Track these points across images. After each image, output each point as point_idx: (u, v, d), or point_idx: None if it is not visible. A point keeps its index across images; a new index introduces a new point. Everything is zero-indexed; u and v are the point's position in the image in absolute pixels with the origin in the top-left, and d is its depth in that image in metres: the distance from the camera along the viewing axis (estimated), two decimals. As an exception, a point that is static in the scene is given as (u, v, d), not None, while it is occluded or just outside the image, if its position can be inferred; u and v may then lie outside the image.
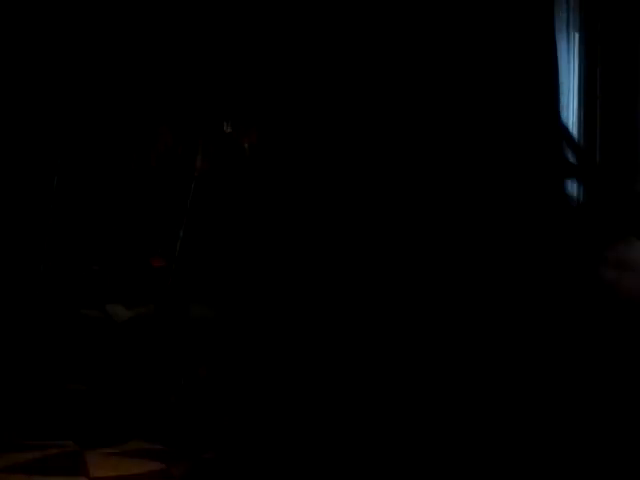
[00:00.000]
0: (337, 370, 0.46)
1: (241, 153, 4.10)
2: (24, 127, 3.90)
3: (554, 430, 0.46)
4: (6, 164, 3.85)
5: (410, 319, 0.47)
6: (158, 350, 3.67)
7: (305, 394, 0.48)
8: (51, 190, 3.90)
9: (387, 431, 0.46)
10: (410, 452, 0.45)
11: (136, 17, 4.02)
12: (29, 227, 3.89)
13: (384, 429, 0.46)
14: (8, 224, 3.82)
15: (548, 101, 0.51)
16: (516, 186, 0.48)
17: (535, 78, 0.48)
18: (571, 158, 0.53)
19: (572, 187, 0.53)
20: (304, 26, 0.47)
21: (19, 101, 3.88)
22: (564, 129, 0.53)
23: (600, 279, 0.47)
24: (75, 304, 3.80)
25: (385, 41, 0.44)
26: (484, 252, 0.47)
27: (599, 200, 0.55)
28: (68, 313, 3.75)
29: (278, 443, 0.48)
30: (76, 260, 3.96)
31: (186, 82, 4.04)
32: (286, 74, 0.49)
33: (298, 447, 0.47)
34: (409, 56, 0.44)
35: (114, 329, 3.73)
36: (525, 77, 0.47)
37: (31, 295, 3.79)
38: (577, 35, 4.08)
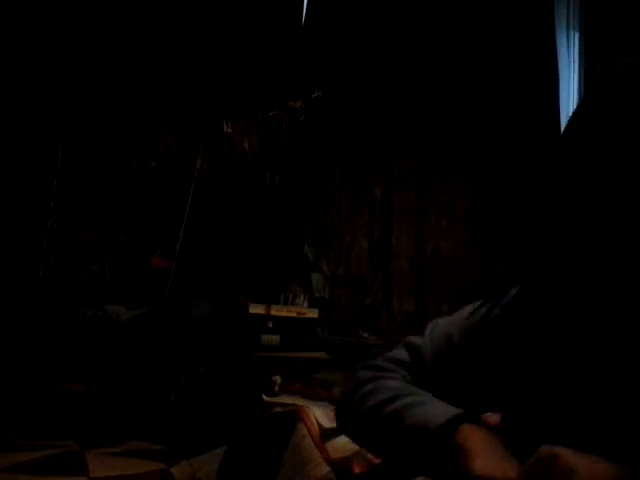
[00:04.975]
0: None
1: (241, 153, 4.10)
2: (23, 126, 3.90)
3: None
4: (6, 163, 3.85)
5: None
6: (158, 350, 3.67)
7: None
8: (51, 190, 3.90)
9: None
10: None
11: (138, 17, 4.02)
12: (29, 226, 3.89)
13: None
14: (8, 223, 3.82)
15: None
16: None
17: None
18: None
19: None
20: None
21: (18, 101, 3.88)
22: None
23: None
24: (75, 304, 3.80)
25: None
26: None
27: None
28: (68, 313, 3.75)
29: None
30: (76, 260, 3.96)
31: (186, 82, 4.04)
32: None
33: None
34: None
35: (114, 329, 3.73)
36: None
37: (31, 296, 3.79)
38: (577, 35, 4.08)
